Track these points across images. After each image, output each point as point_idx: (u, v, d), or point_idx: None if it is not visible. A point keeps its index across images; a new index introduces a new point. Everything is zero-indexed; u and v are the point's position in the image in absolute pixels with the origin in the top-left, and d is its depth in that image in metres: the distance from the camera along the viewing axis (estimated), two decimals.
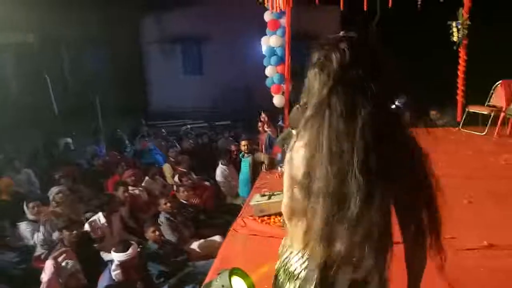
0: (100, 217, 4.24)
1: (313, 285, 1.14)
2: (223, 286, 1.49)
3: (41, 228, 4.20)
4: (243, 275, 1.65)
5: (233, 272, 1.62)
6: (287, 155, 1.21)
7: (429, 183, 1.18)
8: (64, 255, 3.21)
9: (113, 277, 3.09)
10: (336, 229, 1.04)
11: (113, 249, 3.10)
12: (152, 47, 13.27)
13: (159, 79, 13.15)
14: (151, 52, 13.39)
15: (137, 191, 5.18)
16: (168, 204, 4.52)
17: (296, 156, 1.14)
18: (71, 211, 4.59)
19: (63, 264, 3.14)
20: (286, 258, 1.29)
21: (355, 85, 1.04)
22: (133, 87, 12.27)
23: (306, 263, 1.19)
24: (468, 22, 6.39)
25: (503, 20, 8.83)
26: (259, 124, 6.35)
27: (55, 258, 3.15)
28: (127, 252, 2.98)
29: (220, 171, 5.99)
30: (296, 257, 1.22)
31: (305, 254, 1.18)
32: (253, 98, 10.76)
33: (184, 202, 4.93)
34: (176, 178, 5.74)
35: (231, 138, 8.53)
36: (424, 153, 1.18)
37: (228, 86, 11.93)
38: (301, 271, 1.20)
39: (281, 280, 1.31)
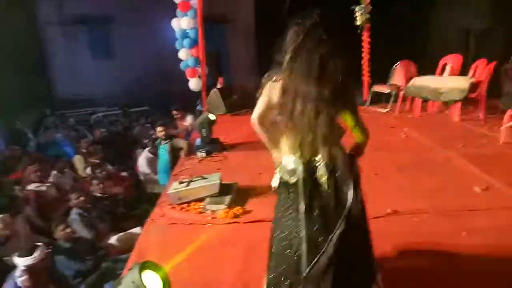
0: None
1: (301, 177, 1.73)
2: (133, 282, 1.43)
3: None
4: (156, 267, 1.61)
5: (144, 266, 1.56)
6: (268, 85, 1.75)
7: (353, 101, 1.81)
8: None
9: (19, 285, 2.81)
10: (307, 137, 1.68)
11: (16, 254, 2.80)
12: (53, 30, 12.08)
13: (64, 65, 12.06)
14: (52, 35, 12.19)
15: (44, 187, 4.75)
16: (81, 199, 4.22)
17: (276, 85, 1.70)
18: None
19: None
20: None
21: (318, 40, 1.61)
22: (33, 75, 11.11)
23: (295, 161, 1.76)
24: (370, 7, 6.84)
25: (402, 4, 9.64)
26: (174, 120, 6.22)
27: None
28: (34, 256, 2.71)
29: (144, 159, 5.72)
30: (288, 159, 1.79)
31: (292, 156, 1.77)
32: (169, 82, 10.42)
33: (99, 195, 4.65)
34: (88, 170, 5.38)
35: (148, 125, 8.19)
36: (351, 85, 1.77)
37: (141, 70, 11.38)
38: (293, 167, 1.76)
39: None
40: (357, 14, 6.94)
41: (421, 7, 10.13)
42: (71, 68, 11.87)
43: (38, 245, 2.84)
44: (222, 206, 3.04)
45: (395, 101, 6.30)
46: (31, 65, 11.08)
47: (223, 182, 3.33)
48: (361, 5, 6.87)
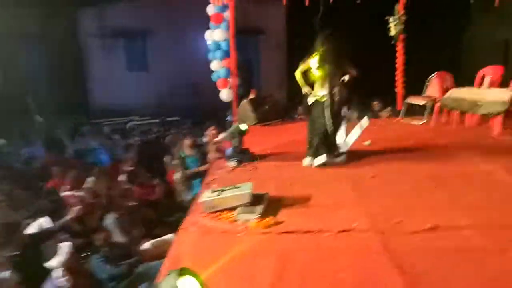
0: (43, 222, 3.97)
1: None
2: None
3: None
4: (193, 274, 1.62)
5: (182, 272, 1.58)
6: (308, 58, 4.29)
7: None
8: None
9: (58, 285, 2.90)
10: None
11: (46, 259, 2.90)
12: (93, 42, 12.62)
13: (102, 75, 12.55)
14: (92, 47, 12.73)
15: (80, 193, 4.91)
16: (116, 205, 4.34)
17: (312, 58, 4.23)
18: (6, 218, 4.25)
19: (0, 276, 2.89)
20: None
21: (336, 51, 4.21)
22: (73, 84, 11.61)
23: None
24: (404, 17, 6.74)
25: (438, 15, 9.44)
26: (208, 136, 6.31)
27: None
28: (61, 254, 2.79)
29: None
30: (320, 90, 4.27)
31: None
32: (201, 92, 10.62)
33: (133, 201, 4.75)
34: (123, 177, 5.52)
35: (178, 134, 8.34)
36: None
37: (174, 81, 11.68)
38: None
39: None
40: (391, 24, 6.86)
41: (459, 17, 9.89)
42: (107, 79, 12.32)
43: (61, 245, 2.92)
44: (254, 216, 3.03)
45: (431, 113, 6.12)
46: (70, 75, 11.60)
47: (254, 192, 3.33)
48: (395, 16, 6.79)
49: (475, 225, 2.73)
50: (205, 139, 6.71)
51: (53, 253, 2.87)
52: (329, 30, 4.25)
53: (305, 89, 4.35)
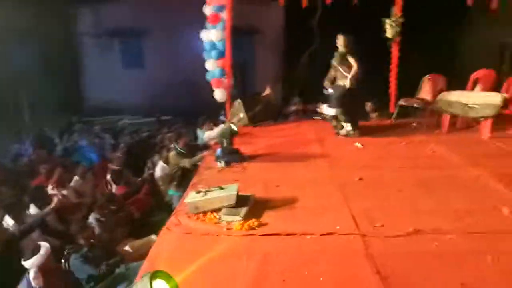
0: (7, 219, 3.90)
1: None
2: None
3: None
4: (167, 277, 1.56)
5: (155, 275, 1.52)
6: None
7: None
8: None
9: (33, 285, 2.81)
10: None
11: (23, 257, 2.82)
12: (88, 40, 12.53)
13: (96, 74, 12.45)
14: (87, 46, 12.64)
15: (64, 192, 4.82)
16: (100, 204, 4.25)
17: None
18: None
19: None
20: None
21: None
22: (66, 83, 11.50)
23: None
24: (401, 19, 6.67)
25: (433, 17, 9.41)
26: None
27: None
28: (37, 255, 2.72)
29: (160, 168, 5.76)
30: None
31: None
32: (195, 92, 10.53)
33: (117, 201, 4.67)
34: (108, 176, 5.43)
35: (169, 134, 8.24)
36: None
37: (168, 80, 11.59)
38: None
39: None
40: (387, 26, 6.79)
41: (453, 19, 9.87)
42: (101, 77, 12.23)
43: (40, 245, 2.85)
44: (238, 218, 2.97)
45: (423, 115, 6.09)
46: (64, 73, 11.50)
47: (240, 193, 3.27)
48: (392, 18, 6.71)
49: (457, 229, 2.70)
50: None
51: (32, 253, 2.79)
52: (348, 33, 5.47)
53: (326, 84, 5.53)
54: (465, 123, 5.77)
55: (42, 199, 4.59)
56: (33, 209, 4.27)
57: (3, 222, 3.95)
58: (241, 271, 2.33)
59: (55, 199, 4.54)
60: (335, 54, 5.55)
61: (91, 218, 4.05)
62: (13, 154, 7.42)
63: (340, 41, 5.46)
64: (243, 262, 2.43)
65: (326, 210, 3.10)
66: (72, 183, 5.15)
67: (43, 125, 8.90)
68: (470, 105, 5.20)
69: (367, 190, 3.50)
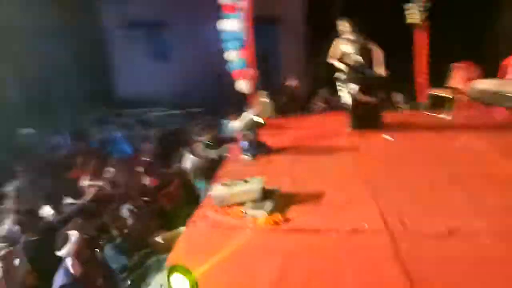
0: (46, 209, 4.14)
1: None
2: (161, 285, 1.47)
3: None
4: (185, 272, 1.62)
5: (174, 269, 1.59)
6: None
7: None
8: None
9: (71, 271, 2.97)
10: None
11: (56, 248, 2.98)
12: (115, 33, 12.80)
13: (125, 66, 12.74)
14: (114, 38, 12.91)
15: (100, 182, 5.04)
16: (133, 195, 4.42)
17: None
18: (31, 205, 4.44)
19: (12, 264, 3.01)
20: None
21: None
22: (97, 75, 11.86)
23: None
24: (429, 4, 6.44)
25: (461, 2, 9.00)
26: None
27: (3, 259, 3.00)
28: (69, 244, 2.87)
29: (189, 160, 5.89)
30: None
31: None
32: (223, 84, 10.58)
33: (150, 193, 4.83)
34: (140, 168, 5.60)
35: (198, 126, 8.37)
36: None
37: (195, 72, 11.69)
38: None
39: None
40: (412, 11, 6.55)
41: (483, 5, 9.40)
42: (131, 69, 12.50)
43: (68, 234, 2.98)
44: (262, 212, 3.03)
45: (455, 106, 5.89)
46: (94, 66, 11.85)
47: (266, 187, 3.32)
48: (418, 2, 6.48)
49: (494, 231, 2.55)
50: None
51: (64, 242, 2.95)
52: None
53: (332, 61, 5.56)
54: (501, 114, 5.53)
55: (77, 191, 4.85)
56: (69, 200, 4.50)
57: (42, 212, 4.19)
58: (264, 267, 2.38)
59: (91, 190, 4.75)
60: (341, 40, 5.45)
61: (125, 209, 4.21)
62: (52, 146, 7.77)
63: (345, 26, 5.34)
64: (266, 258, 2.47)
65: (353, 206, 3.07)
66: (106, 174, 5.35)
67: (79, 118, 9.26)
68: (505, 94, 4.99)
69: (396, 186, 3.42)
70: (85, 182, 5.00)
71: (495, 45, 9.05)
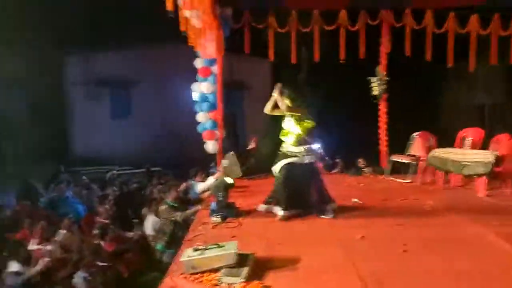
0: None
1: None
2: None
3: None
4: None
5: None
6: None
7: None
8: None
9: None
10: None
11: None
12: (77, 89, 12.60)
13: (84, 123, 12.40)
14: (75, 94, 12.69)
15: (48, 247, 4.55)
16: (87, 260, 4.01)
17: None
18: None
19: None
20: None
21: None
22: (53, 132, 11.36)
23: None
24: (386, 78, 7.01)
25: (416, 76, 9.87)
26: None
27: None
28: None
29: (151, 222, 5.54)
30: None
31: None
32: (184, 144, 10.50)
33: (105, 258, 4.42)
34: (96, 231, 5.19)
35: (160, 186, 8.07)
36: None
37: (157, 132, 11.59)
38: None
39: None
40: (374, 84, 7.09)
41: (434, 80, 10.37)
42: (90, 126, 12.18)
43: None
44: (239, 280, 2.80)
45: (415, 172, 6.14)
46: (51, 121, 11.40)
47: (239, 251, 3.12)
48: (378, 76, 7.03)
49: None
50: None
51: None
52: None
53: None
54: (459, 180, 5.82)
55: (23, 255, 4.33)
56: (14, 266, 3.98)
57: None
58: None
59: (40, 262, 4.23)
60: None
61: (78, 276, 3.79)
62: None
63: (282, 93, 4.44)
64: None
65: (331, 271, 2.94)
66: (57, 237, 4.88)
67: (28, 175, 8.64)
68: (462, 163, 5.27)
69: (370, 250, 3.38)
70: (33, 246, 4.50)
71: (449, 118, 9.87)
